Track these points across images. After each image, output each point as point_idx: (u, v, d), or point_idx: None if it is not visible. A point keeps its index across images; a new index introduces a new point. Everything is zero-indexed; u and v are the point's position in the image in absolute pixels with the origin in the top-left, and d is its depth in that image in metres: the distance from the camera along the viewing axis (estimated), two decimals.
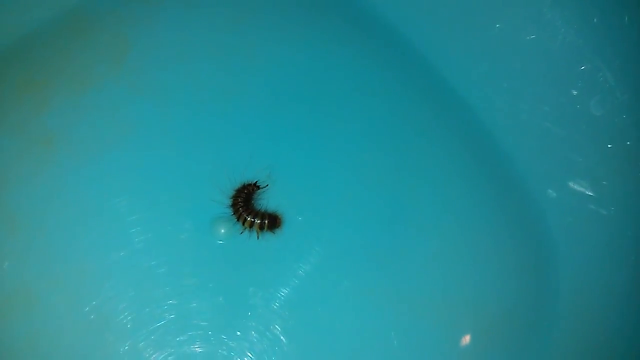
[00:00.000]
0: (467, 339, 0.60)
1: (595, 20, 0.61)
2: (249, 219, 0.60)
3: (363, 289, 0.60)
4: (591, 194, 0.62)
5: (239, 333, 0.58)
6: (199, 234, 0.60)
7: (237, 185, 0.61)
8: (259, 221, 0.60)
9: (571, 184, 0.63)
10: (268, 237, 0.61)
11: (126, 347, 0.57)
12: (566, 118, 0.63)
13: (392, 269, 0.61)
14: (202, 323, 0.58)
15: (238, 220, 0.60)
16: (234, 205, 0.60)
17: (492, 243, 0.63)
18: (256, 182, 0.61)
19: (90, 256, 0.59)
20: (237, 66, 0.66)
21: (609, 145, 0.61)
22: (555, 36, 0.63)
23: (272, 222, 0.60)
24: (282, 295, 0.59)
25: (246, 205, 0.60)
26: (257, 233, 0.60)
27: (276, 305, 0.59)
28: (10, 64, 0.65)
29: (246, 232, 0.60)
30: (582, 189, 0.62)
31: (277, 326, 0.59)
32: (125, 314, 0.58)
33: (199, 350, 0.57)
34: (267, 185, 0.62)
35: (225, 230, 0.60)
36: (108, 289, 0.58)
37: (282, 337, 0.58)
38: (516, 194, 0.65)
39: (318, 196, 0.63)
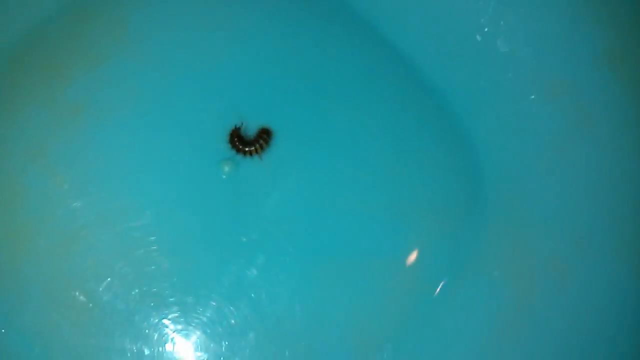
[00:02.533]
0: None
1: None
2: (253, 148, 0.74)
3: (335, 202, 0.74)
4: (507, 112, 0.74)
5: (244, 239, 0.72)
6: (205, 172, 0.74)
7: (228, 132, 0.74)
8: (258, 144, 0.74)
9: (487, 99, 0.74)
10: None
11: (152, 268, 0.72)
12: (476, 55, 0.74)
13: (351, 182, 0.74)
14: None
15: (245, 155, 0.74)
16: (235, 147, 0.74)
17: (425, 151, 0.76)
18: (235, 125, 0.75)
19: (126, 190, 0.73)
20: (230, 38, 0.77)
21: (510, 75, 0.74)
22: None
23: (265, 136, 0.73)
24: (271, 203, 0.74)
25: (242, 142, 0.74)
26: (263, 150, 0.73)
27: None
28: (31, 51, 0.75)
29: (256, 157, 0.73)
30: (497, 109, 0.74)
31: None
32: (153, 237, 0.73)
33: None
34: (242, 123, 0.74)
35: (229, 168, 0.74)
36: (140, 222, 0.73)
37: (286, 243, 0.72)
38: (441, 111, 0.76)
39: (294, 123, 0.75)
